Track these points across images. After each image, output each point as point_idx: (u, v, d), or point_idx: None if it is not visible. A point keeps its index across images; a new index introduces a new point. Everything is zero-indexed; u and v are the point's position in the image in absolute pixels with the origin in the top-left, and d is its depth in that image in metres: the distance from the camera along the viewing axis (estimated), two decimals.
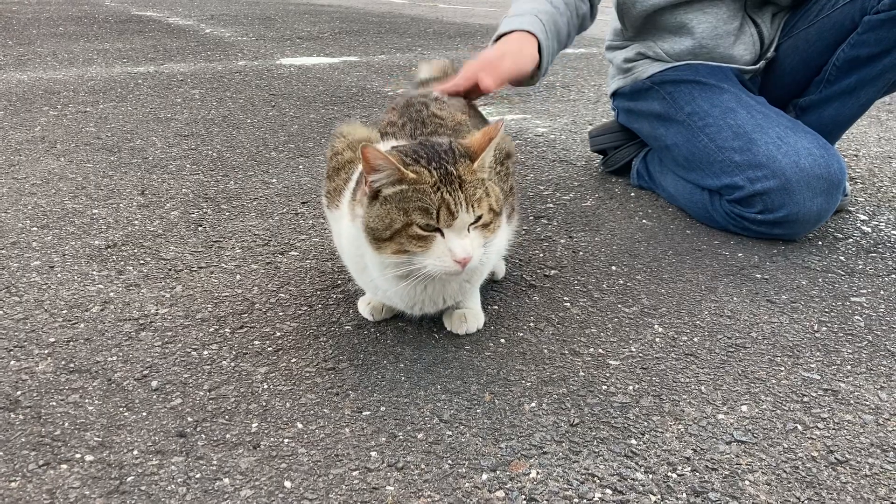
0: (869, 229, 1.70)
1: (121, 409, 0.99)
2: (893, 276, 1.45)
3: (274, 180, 1.96)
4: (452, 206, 0.95)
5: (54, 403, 0.99)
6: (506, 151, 1.22)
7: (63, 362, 1.09)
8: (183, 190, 1.86)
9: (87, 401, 1.00)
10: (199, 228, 1.61)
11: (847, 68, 1.68)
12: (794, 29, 1.79)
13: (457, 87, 1.39)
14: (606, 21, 2.07)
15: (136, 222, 1.64)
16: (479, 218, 0.98)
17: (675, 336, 1.21)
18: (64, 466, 0.88)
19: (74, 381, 1.05)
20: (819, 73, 1.74)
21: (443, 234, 0.97)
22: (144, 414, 0.98)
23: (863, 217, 1.78)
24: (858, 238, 1.64)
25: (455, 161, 0.98)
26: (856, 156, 2.33)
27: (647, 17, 1.81)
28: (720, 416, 0.99)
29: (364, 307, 1.24)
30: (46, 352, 1.12)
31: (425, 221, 0.96)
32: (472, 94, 1.43)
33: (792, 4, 1.81)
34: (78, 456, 0.90)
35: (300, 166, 2.09)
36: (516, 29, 1.55)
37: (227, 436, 0.94)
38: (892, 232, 1.68)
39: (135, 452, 0.90)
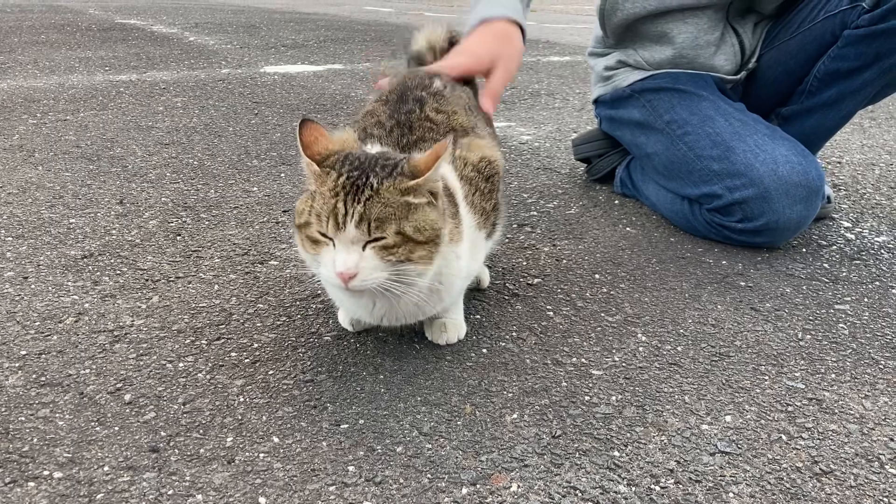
0: (852, 236, 1.70)
1: (92, 423, 0.96)
2: (877, 283, 1.44)
3: (255, 189, 1.94)
4: (340, 217, 0.90)
5: (23, 418, 0.97)
6: (494, 168, 1.16)
7: (34, 376, 1.07)
8: (162, 199, 1.84)
9: (57, 415, 0.98)
10: (178, 238, 1.59)
11: (828, 81, 1.68)
12: (776, 40, 1.79)
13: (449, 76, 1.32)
14: (590, 29, 2.06)
15: (114, 232, 1.61)
16: (381, 239, 0.92)
17: (659, 345, 1.19)
18: (31, 484, 0.85)
19: (45, 395, 1.02)
20: (801, 83, 1.74)
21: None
22: (116, 428, 0.95)
23: (846, 224, 1.78)
24: (842, 245, 1.64)
25: (387, 175, 0.93)
26: (839, 163, 2.34)
27: (628, 25, 1.80)
28: (704, 427, 0.98)
29: (344, 317, 1.22)
30: (17, 365, 1.09)
31: (317, 227, 0.93)
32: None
33: (774, 15, 1.81)
34: (46, 473, 0.87)
35: (282, 174, 2.07)
36: (501, 17, 1.46)
37: (202, 450, 0.92)
38: (876, 239, 1.68)
39: (105, 468, 0.88)
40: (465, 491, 0.85)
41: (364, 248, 0.92)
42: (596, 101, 2.02)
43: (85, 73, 3.78)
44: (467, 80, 1.38)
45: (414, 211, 0.93)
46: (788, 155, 1.52)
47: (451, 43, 1.46)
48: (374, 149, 1.08)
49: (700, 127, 1.65)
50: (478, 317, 1.28)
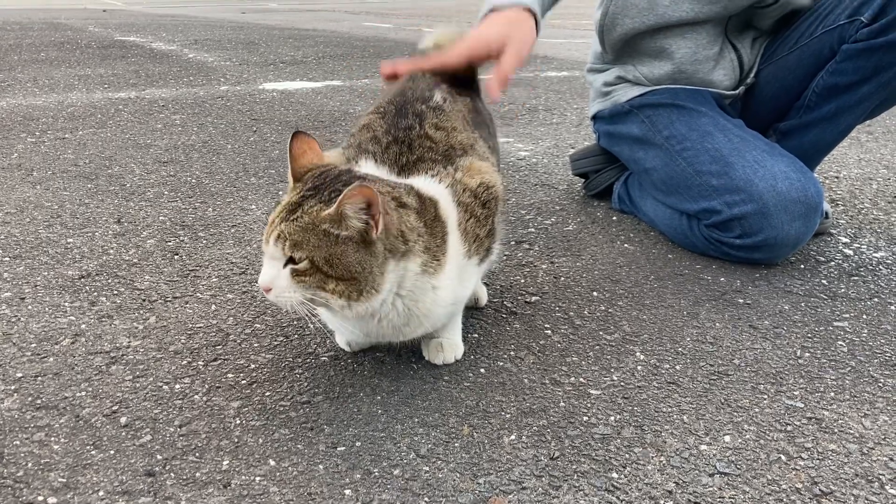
0: (851, 252, 1.69)
1: (88, 447, 0.96)
2: (875, 299, 1.44)
3: (253, 207, 1.94)
4: (266, 233, 0.94)
5: (18, 442, 0.96)
6: (493, 194, 1.12)
7: (30, 398, 1.06)
8: (160, 218, 1.84)
9: (52, 439, 0.97)
10: (176, 257, 1.59)
11: (826, 95, 1.68)
12: (774, 55, 1.79)
13: (448, 66, 1.28)
14: (588, 44, 2.07)
15: (111, 251, 1.61)
16: (293, 261, 0.92)
17: (657, 364, 1.19)
18: None
19: (41, 419, 1.01)
20: (799, 98, 1.75)
21: None
22: (112, 452, 0.95)
23: (844, 239, 1.78)
24: (840, 261, 1.64)
25: (327, 200, 0.92)
26: (836, 178, 2.34)
27: (626, 40, 1.81)
28: (703, 447, 0.98)
29: (341, 338, 1.21)
30: (13, 388, 1.09)
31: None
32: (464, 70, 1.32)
33: (772, 30, 1.82)
34: (41, 498, 0.86)
35: (280, 192, 2.07)
36: (513, 4, 1.39)
37: (198, 474, 0.91)
38: (874, 254, 1.68)
39: (100, 493, 0.87)
40: None
41: (285, 265, 0.93)
42: (594, 117, 2.02)
43: (84, 90, 3.79)
44: (471, 80, 1.34)
45: (334, 243, 0.91)
46: (787, 171, 1.52)
47: None
48: (367, 167, 1.08)
49: (699, 142, 1.66)
50: (475, 336, 1.27)
